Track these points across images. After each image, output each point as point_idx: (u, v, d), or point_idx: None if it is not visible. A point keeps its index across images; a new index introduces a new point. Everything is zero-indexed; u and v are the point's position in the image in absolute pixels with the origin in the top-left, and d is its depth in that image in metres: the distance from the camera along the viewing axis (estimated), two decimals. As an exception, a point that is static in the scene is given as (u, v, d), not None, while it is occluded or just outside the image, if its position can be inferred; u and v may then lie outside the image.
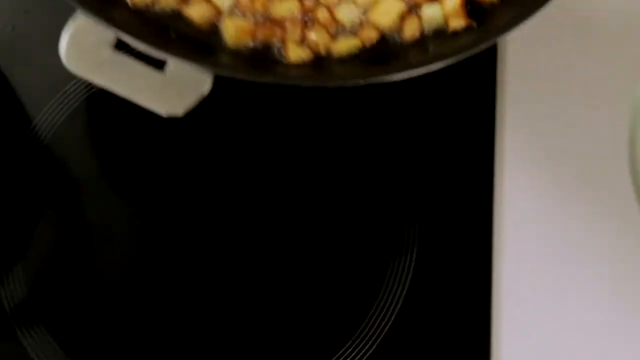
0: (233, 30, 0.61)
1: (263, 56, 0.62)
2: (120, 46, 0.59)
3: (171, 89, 0.59)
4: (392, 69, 0.59)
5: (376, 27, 0.62)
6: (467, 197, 0.67)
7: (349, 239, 0.66)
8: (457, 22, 0.61)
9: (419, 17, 0.62)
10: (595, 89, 0.67)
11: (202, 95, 0.60)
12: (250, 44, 0.62)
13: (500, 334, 0.61)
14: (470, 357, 0.62)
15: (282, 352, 0.63)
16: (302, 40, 0.62)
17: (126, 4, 0.61)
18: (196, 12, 0.62)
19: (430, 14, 0.61)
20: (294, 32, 0.62)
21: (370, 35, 0.62)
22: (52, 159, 0.70)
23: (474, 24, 0.61)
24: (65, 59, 0.59)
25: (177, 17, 0.62)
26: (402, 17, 0.62)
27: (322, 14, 0.62)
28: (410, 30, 0.61)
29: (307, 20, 0.62)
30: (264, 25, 0.62)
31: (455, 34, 0.61)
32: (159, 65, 0.59)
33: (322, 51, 0.61)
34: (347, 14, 0.62)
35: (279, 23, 0.62)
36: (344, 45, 0.62)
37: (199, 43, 0.62)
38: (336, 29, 0.62)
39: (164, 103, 0.59)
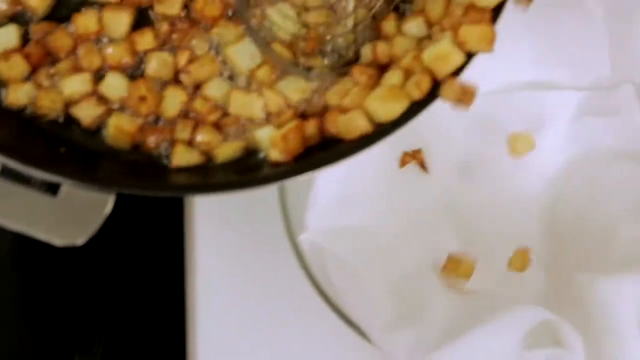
0: (113, 130, 0.56)
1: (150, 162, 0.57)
2: (6, 173, 0.50)
3: (67, 215, 0.51)
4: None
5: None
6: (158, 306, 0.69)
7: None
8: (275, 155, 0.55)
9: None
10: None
11: (104, 217, 0.52)
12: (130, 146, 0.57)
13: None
14: None
15: None
16: (191, 142, 0.57)
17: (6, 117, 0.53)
18: (84, 112, 0.56)
19: (260, 136, 0.57)
20: (183, 132, 0.57)
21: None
22: None
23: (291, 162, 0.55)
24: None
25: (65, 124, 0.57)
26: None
27: (201, 106, 0.58)
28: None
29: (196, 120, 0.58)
30: (153, 127, 0.57)
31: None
32: (53, 188, 0.51)
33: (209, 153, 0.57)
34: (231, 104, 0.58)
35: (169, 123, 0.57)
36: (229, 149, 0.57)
37: (91, 155, 0.56)
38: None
39: (59, 233, 0.51)
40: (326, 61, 0.59)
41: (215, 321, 0.67)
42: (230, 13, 0.60)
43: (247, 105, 0.57)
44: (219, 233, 0.68)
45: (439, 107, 0.52)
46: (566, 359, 0.50)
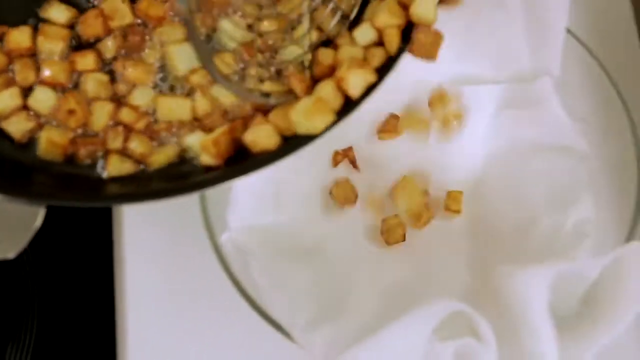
0: (45, 143, 0.57)
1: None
2: None
3: (-2, 230, 0.52)
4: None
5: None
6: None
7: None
8: (206, 159, 0.56)
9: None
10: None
11: (34, 231, 0.53)
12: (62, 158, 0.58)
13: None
14: None
15: None
16: (124, 151, 0.58)
17: None
18: (15, 127, 0.57)
19: (190, 142, 0.58)
20: (115, 141, 0.58)
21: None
22: None
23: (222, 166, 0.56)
24: None
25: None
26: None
27: (127, 115, 0.59)
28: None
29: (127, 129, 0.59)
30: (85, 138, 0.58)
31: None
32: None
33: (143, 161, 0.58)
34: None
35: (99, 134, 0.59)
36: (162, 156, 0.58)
37: (23, 168, 0.56)
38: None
39: (-11, 247, 0.52)
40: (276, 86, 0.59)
41: (143, 320, 0.68)
42: (177, 19, 0.61)
43: (174, 109, 0.59)
44: (147, 236, 0.70)
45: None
46: (477, 349, 0.51)
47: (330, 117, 0.53)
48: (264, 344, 0.65)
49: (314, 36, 0.58)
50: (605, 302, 0.52)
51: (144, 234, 0.70)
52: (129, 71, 0.60)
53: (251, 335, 0.65)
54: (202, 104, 0.59)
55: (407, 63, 0.56)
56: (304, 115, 0.53)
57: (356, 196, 0.67)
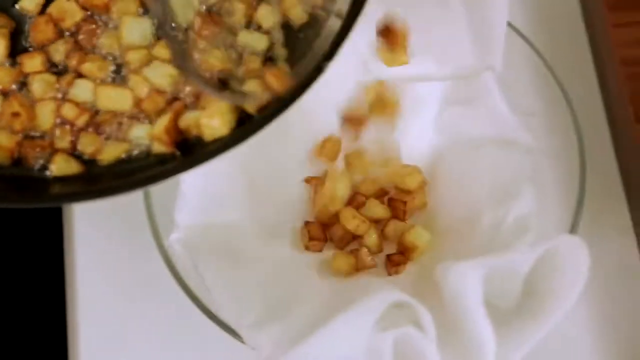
0: None
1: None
2: None
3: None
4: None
5: None
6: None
7: None
8: (160, 147, 0.56)
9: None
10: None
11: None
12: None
13: None
14: None
15: None
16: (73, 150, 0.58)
17: None
18: None
19: (137, 134, 0.58)
20: (62, 141, 0.58)
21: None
22: None
23: (177, 153, 0.56)
24: None
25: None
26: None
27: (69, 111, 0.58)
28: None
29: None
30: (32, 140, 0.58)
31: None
32: None
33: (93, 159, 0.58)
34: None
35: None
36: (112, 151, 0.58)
37: None
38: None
39: None
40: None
41: (95, 322, 0.70)
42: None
43: (114, 98, 0.58)
44: (98, 236, 0.71)
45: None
46: (416, 337, 0.52)
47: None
48: (212, 345, 0.66)
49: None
50: (543, 296, 0.53)
51: (95, 234, 0.71)
52: (85, 66, 0.59)
53: (199, 336, 0.66)
54: (137, 87, 0.58)
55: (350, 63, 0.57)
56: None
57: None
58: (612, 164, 0.77)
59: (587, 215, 0.64)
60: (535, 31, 0.80)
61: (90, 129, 0.58)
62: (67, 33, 0.60)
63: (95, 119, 0.58)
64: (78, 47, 0.60)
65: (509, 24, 0.66)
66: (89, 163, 0.58)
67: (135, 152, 0.58)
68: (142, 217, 0.62)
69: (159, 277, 0.62)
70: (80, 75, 0.59)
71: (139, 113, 0.58)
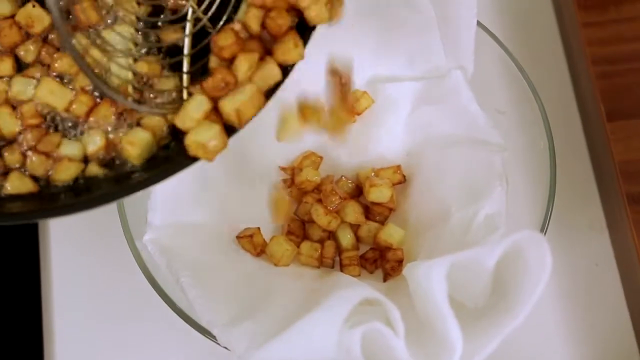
0: None
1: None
2: None
3: None
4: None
5: None
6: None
7: None
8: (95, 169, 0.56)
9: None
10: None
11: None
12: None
13: None
14: None
15: None
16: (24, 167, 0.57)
17: None
18: None
19: (69, 151, 0.57)
20: (12, 157, 0.56)
21: None
22: None
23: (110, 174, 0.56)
24: None
25: None
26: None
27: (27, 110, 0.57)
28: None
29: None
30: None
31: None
32: None
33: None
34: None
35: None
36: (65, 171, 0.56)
37: None
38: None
39: None
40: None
41: (70, 326, 0.71)
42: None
43: (55, 92, 0.57)
44: (73, 238, 0.72)
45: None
46: (385, 333, 0.52)
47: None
48: (187, 346, 0.67)
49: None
50: (508, 293, 0.54)
51: (70, 239, 0.72)
52: (58, 64, 0.58)
53: (174, 337, 0.67)
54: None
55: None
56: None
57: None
58: (585, 162, 0.78)
59: (559, 212, 0.65)
60: (508, 30, 0.81)
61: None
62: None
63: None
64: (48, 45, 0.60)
65: (480, 24, 0.67)
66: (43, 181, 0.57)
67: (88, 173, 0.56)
68: (116, 219, 0.63)
69: (132, 278, 0.63)
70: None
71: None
